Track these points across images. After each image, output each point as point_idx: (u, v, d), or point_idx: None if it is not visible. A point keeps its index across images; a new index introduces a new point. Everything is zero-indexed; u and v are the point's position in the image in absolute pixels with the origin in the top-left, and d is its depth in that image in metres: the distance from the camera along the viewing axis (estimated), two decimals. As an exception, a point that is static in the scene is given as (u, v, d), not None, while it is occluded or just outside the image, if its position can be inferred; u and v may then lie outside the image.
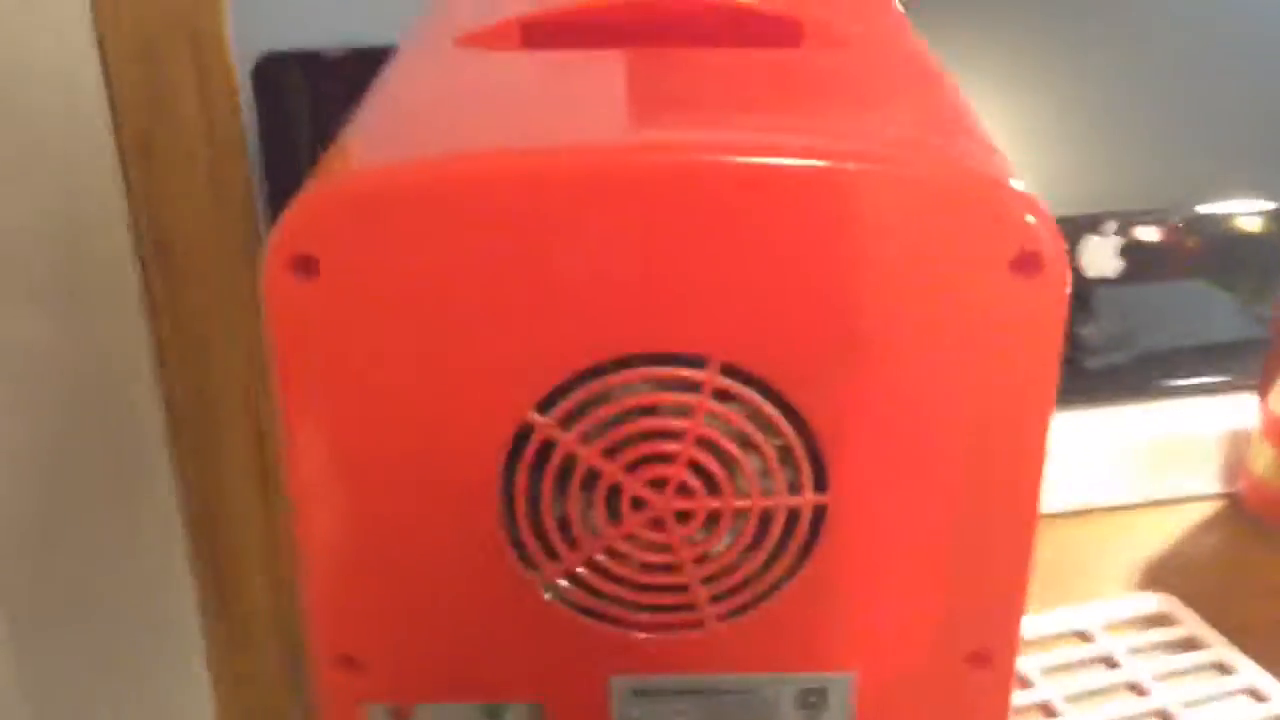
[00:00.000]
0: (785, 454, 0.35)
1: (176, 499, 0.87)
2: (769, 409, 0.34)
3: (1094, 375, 0.78)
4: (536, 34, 0.42)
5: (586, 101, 0.37)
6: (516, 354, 0.33)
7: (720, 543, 0.36)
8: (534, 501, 0.36)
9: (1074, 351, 0.79)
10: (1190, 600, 0.66)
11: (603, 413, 0.34)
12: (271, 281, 0.32)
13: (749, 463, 0.35)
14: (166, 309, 0.81)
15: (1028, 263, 0.32)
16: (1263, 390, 0.70)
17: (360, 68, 0.61)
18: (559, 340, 0.33)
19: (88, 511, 0.86)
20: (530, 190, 0.32)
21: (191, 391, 0.83)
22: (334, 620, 0.37)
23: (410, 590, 0.36)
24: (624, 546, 0.36)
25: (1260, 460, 0.70)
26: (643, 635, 0.37)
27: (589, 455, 0.35)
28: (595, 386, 0.34)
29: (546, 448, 0.35)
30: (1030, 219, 0.32)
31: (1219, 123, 0.78)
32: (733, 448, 0.35)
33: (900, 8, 0.51)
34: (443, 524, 0.35)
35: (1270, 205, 0.80)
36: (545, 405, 0.34)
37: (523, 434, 0.35)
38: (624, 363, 0.34)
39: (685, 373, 0.34)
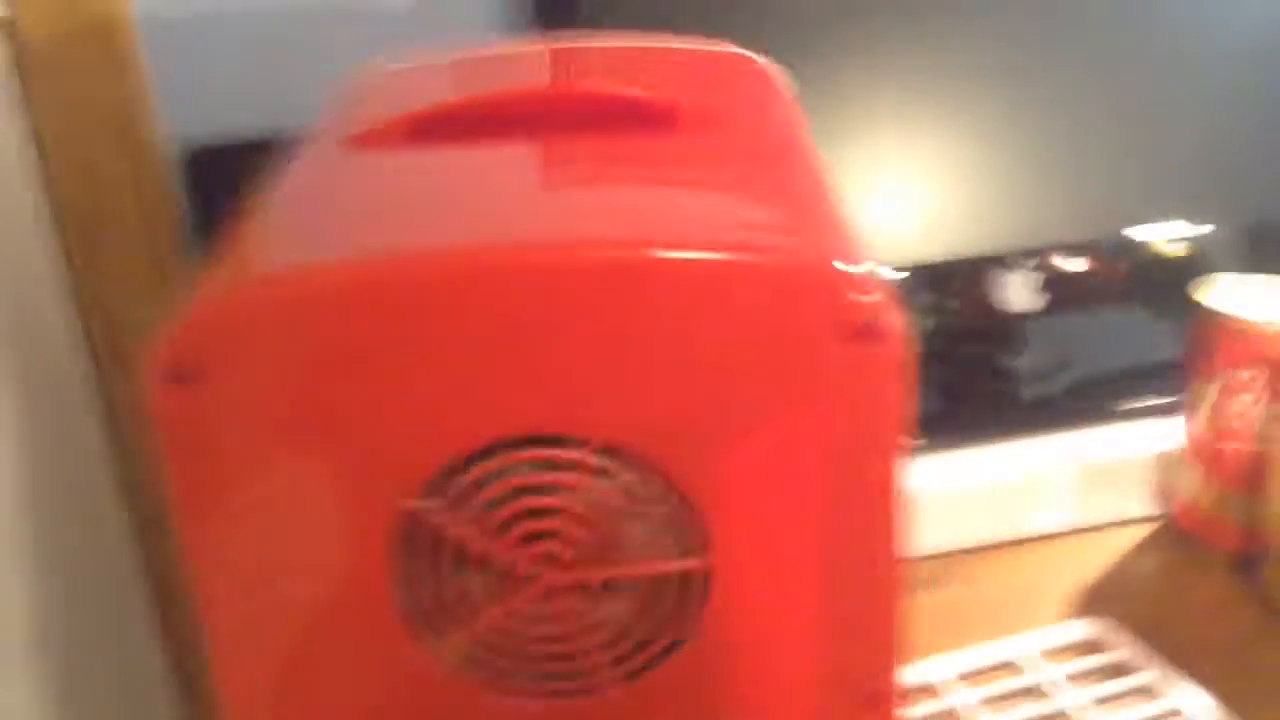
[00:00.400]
0: (668, 522, 0.37)
1: (138, 572, 0.88)
2: (647, 482, 0.36)
3: (1027, 405, 0.79)
4: (419, 131, 0.43)
5: (456, 201, 0.38)
6: (398, 445, 0.35)
7: (612, 610, 0.38)
8: (426, 583, 0.37)
9: (1006, 383, 0.80)
10: (1128, 624, 0.67)
11: (488, 495, 0.36)
12: (153, 391, 0.34)
13: (634, 533, 0.37)
14: (124, 404, 0.82)
15: (863, 335, 0.34)
16: (1187, 412, 0.71)
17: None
18: (441, 428, 0.35)
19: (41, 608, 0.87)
20: (400, 294, 0.33)
21: (157, 485, 0.84)
22: (245, 711, 0.38)
23: (315, 676, 0.38)
24: (517, 620, 0.37)
25: (1187, 482, 0.72)
26: (541, 703, 0.38)
27: (476, 536, 0.36)
28: (478, 471, 0.36)
29: (434, 532, 0.36)
30: (860, 297, 0.34)
31: (1142, 148, 0.79)
32: (616, 521, 0.36)
33: (784, 84, 0.53)
34: (340, 609, 0.37)
35: (1196, 229, 0.81)
36: (431, 491, 0.36)
37: (410, 520, 0.36)
38: (508, 446, 0.35)
39: (566, 454, 0.36)
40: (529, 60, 0.53)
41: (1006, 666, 0.65)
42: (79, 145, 0.77)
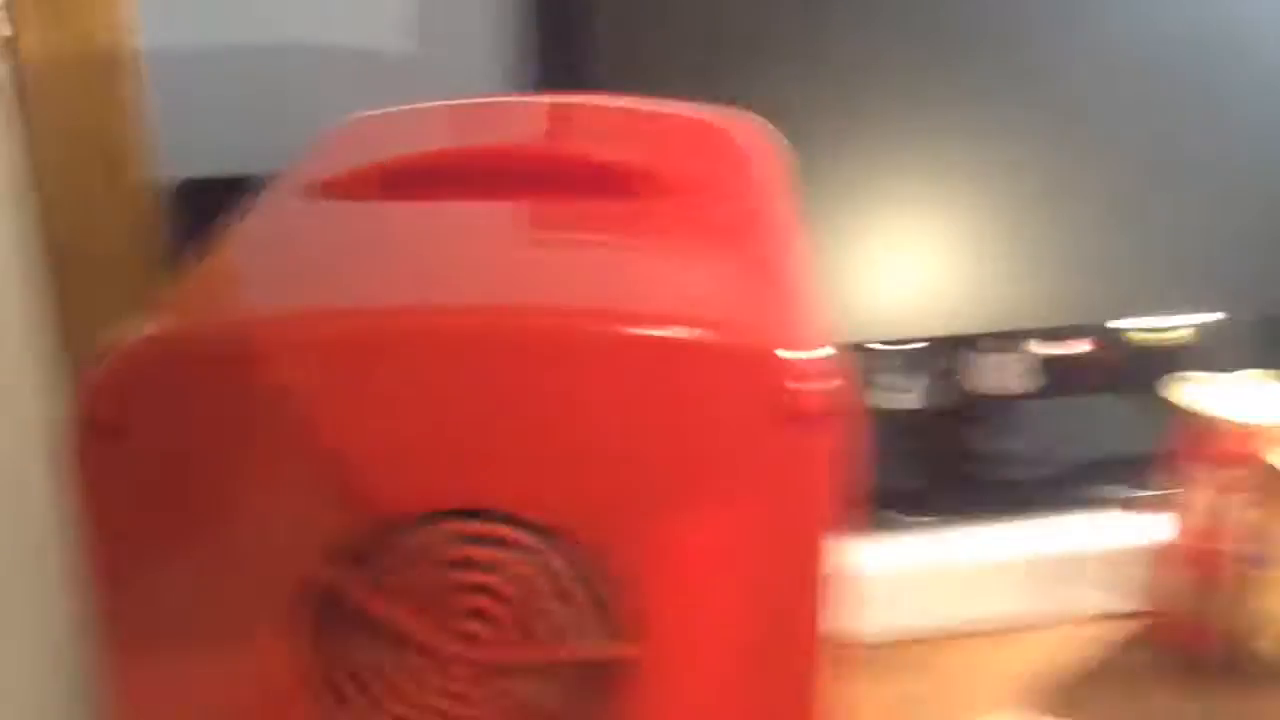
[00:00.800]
0: (597, 605, 0.36)
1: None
2: (571, 562, 0.35)
3: (999, 489, 0.78)
4: (381, 183, 0.43)
5: (400, 258, 0.38)
6: (319, 510, 0.34)
7: (535, 693, 0.37)
8: (342, 658, 0.36)
9: (980, 466, 0.79)
10: (1096, 723, 0.65)
11: (410, 568, 0.35)
12: (71, 442, 0.33)
13: (561, 615, 0.36)
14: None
15: (800, 422, 0.33)
16: (1165, 508, 0.70)
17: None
18: (361, 496, 0.34)
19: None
20: (328, 353, 0.33)
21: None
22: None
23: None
24: (436, 702, 0.36)
25: (1159, 579, 0.70)
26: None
27: (395, 611, 0.35)
28: (399, 542, 0.35)
29: (350, 603, 0.35)
30: (798, 384, 0.33)
31: (1136, 238, 0.79)
32: (539, 600, 0.35)
33: (780, 150, 0.52)
34: (251, 681, 0.36)
35: (1186, 320, 0.80)
36: (350, 561, 0.35)
37: (327, 590, 0.35)
38: (431, 518, 0.35)
39: (494, 529, 0.35)
40: (508, 115, 0.53)
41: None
42: (70, 173, 0.77)
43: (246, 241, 0.40)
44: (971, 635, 0.71)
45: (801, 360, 0.33)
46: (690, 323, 0.33)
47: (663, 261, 0.38)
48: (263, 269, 0.38)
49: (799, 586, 0.35)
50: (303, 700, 0.36)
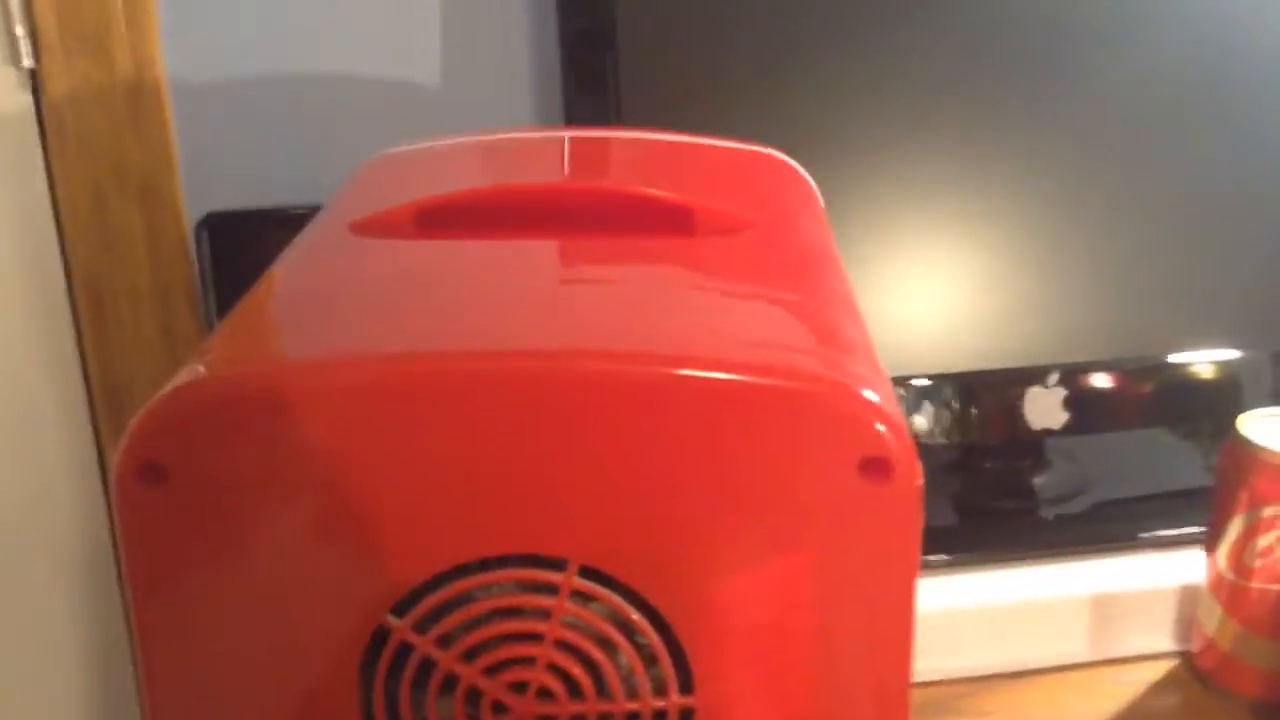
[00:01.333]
0: (649, 656, 0.35)
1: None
2: (630, 611, 0.34)
3: (1045, 528, 0.77)
4: (427, 221, 0.42)
5: (454, 300, 0.37)
6: (371, 557, 0.33)
7: (587, 746, 0.35)
8: (393, 705, 0.35)
9: (1024, 503, 0.78)
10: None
11: (460, 616, 0.34)
12: (120, 487, 0.32)
13: (612, 665, 0.34)
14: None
15: (876, 468, 0.32)
16: (1210, 545, 0.68)
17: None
18: (415, 543, 0.33)
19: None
20: (379, 398, 0.32)
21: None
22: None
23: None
24: (487, 750, 0.35)
25: (1209, 620, 0.69)
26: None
27: (446, 659, 0.34)
28: (452, 589, 0.34)
29: (403, 651, 0.34)
30: (877, 425, 0.32)
31: (1172, 270, 0.78)
32: (595, 650, 0.34)
33: (813, 189, 0.51)
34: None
35: (1228, 354, 0.79)
36: (401, 608, 0.34)
37: (379, 637, 0.34)
38: (482, 565, 0.34)
39: (544, 575, 0.34)
40: (547, 150, 0.52)
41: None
42: (95, 207, 0.77)
43: (287, 283, 0.39)
44: (1024, 677, 0.70)
45: (882, 402, 0.32)
46: (767, 364, 0.32)
47: (723, 301, 0.37)
48: (306, 311, 0.37)
49: (884, 640, 0.34)
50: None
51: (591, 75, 0.69)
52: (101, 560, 0.84)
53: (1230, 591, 0.67)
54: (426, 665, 0.34)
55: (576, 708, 0.34)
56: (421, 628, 0.34)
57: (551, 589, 0.34)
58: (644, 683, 0.35)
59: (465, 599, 0.34)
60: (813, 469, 0.32)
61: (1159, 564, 0.74)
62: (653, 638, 0.34)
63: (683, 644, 0.34)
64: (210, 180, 0.77)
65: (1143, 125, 0.74)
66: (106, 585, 0.84)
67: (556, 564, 0.33)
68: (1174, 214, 0.76)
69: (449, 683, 0.34)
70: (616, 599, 0.34)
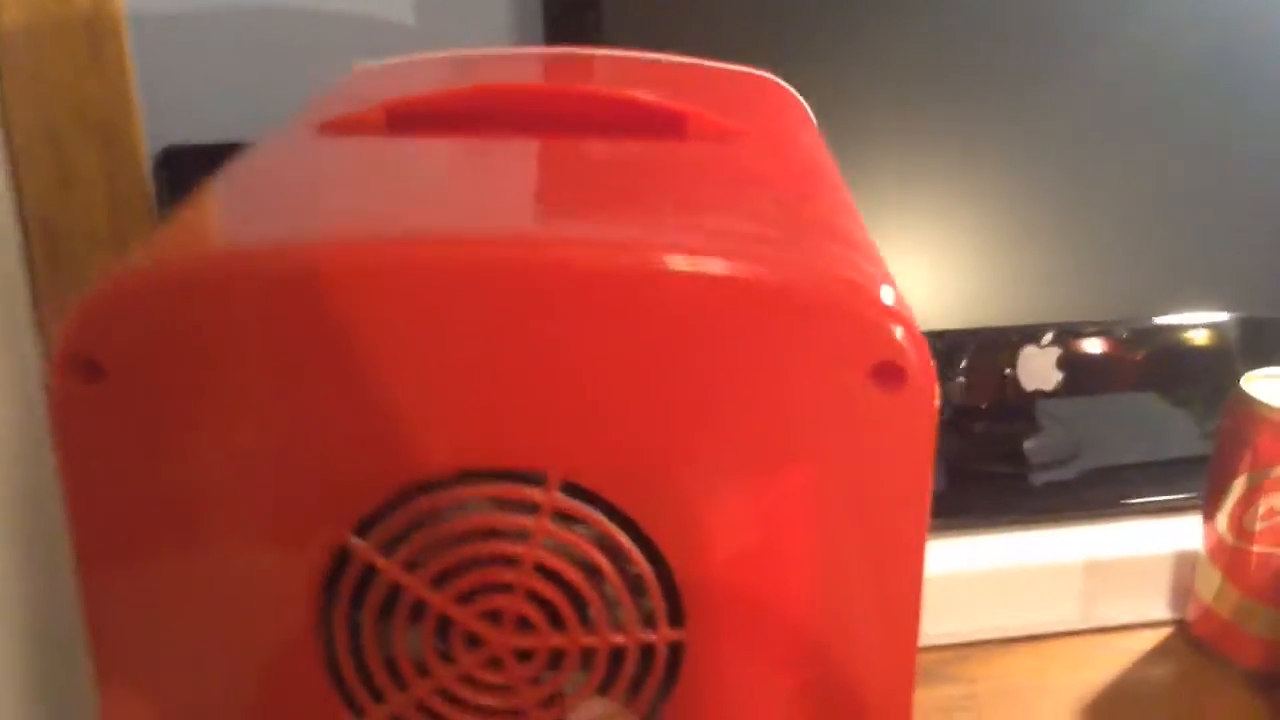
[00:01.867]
0: (637, 584, 0.32)
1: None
2: (617, 534, 0.31)
3: (1037, 492, 0.74)
4: (404, 120, 0.39)
5: (423, 191, 0.34)
6: (330, 469, 0.30)
7: (568, 683, 0.32)
8: (356, 637, 0.32)
9: (1015, 467, 0.75)
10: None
11: (429, 537, 0.31)
12: (54, 385, 0.29)
13: (597, 594, 0.31)
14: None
15: (889, 375, 0.29)
16: (1208, 510, 0.66)
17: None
18: (379, 455, 0.30)
19: None
20: (337, 288, 0.28)
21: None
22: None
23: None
24: (458, 688, 0.32)
25: (1207, 586, 0.66)
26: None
27: (414, 585, 0.31)
28: (420, 507, 0.30)
29: (367, 576, 0.31)
30: (894, 328, 0.29)
31: (1168, 231, 0.75)
32: (578, 577, 0.31)
33: (805, 106, 0.48)
34: (254, 661, 0.31)
35: (1221, 317, 0.77)
36: (365, 528, 0.31)
37: (340, 560, 0.31)
38: (453, 480, 0.30)
39: (522, 491, 0.30)
40: (530, 62, 0.49)
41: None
42: (52, 142, 0.73)
43: (245, 176, 0.36)
44: (1015, 644, 0.67)
45: (897, 304, 0.29)
46: (772, 257, 0.29)
47: (719, 198, 0.34)
48: (261, 201, 0.34)
49: (892, 568, 0.31)
50: (308, 692, 0.31)
51: (570, 12, 0.66)
52: (45, 496, 0.80)
53: (1230, 557, 0.64)
54: (392, 592, 0.31)
55: (557, 640, 0.31)
56: (387, 550, 0.31)
57: (531, 507, 0.31)
58: (631, 614, 0.31)
59: (435, 518, 0.31)
60: (819, 375, 0.29)
61: (1153, 530, 0.71)
62: (641, 564, 0.31)
63: (673, 571, 0.31)
64: (169, 115, 0.73)
65: (1138, 87, 0.71)
66: (49, 524, 0.80)
67: (536, 479, 0.30)
68: (1171, 174, 0.74)
69: (417, 612, 0.31)
70: (602, 519, 0.31)
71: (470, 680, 0.32)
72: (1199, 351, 0.79)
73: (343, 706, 0.32)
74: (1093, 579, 0.69)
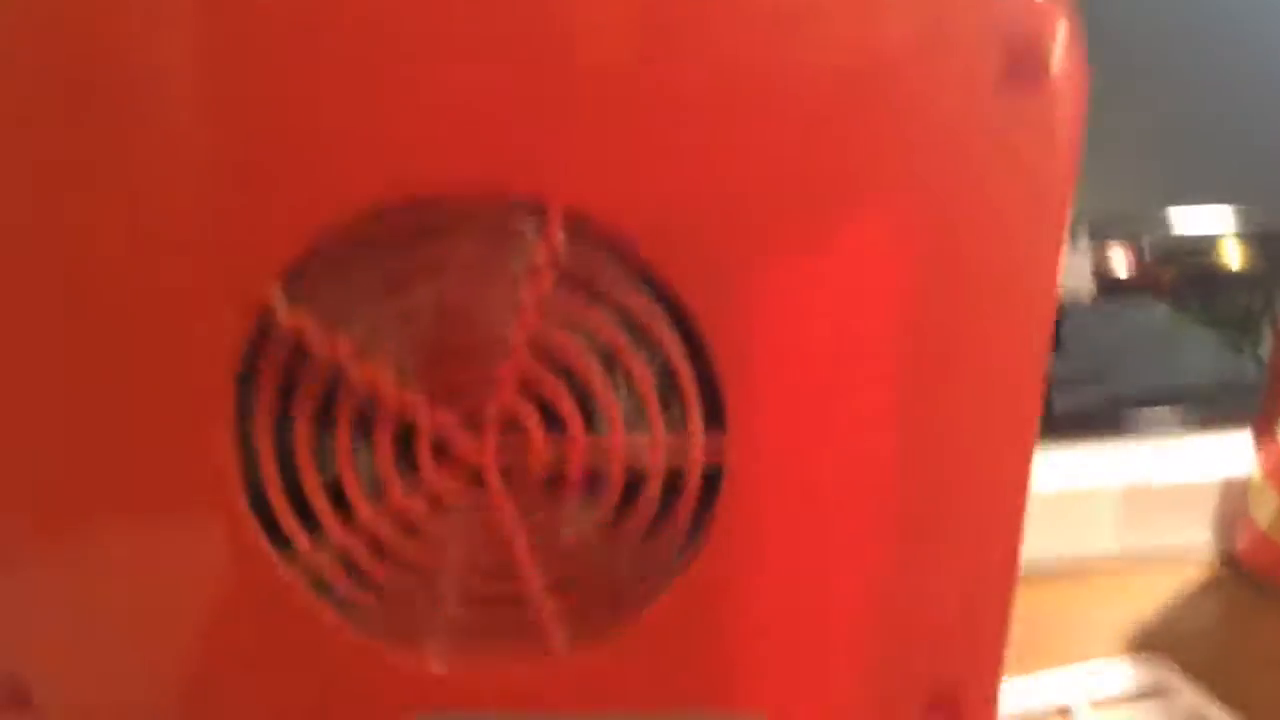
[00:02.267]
0: (665, 380, 0.24)
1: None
2: (640, 298, 0.23)
3: (1068, 411, 0.67)
4: None
5: None
6: (247, 200, 0.21)
7: (570, 519, 0.24)
8: (283, 445, 0.23)
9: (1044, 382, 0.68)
10: (1184, 671, 0.54)
11: (385, 301, 0.22)
12: None
13: (608, 387, 0.23)
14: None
15: (1024, 69, 0.21)
16: (1263, 427, 0.59)
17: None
18: (314, 178, 0.21)
19: None
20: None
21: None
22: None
23: (105, 584, 0.24)
24: (424, 521, 0.24)
25: (1262, 510, 0.59)
26: (459, 670, 0.24)
27: (365, 370, 0.23)
28: (369, 255, 0.22)
29: (297, 357, 0.23)
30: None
31: (1195, 134, 0.69)
32: (589, 367, 0.23)
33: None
34: (148, 478, 0.23)
35: (1250, 229, 0.70)
36: (294, 285, 0.22)
37: (261, 331, 0.22)
38: (415, 212, 0.22)
39: (515, 225, 0.22)
40: None
41: (1045, 712, 0.52)
42: None
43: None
44: (1053, 576, 0.60)
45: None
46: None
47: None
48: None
49: (1006, 367, 0.23)
50: (234, 517, 0.23)
51: None
52: None
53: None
54: (333, 377, 0.23)
55: (559, 454, 0.23)
56: (326, 317, 0.22)
57: (522, 251, 0.22)
58: (658, 423, 0.23)
59: (393, 273, 0.22)
60: (921, 73, 0.21)
61: (1196, 453, 0.64)
62: (672, 347, 0.23)
63: (717, 361, 0.23)
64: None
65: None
66: None
67: (531, 209, 0.22)
68: (1204, 79, 0.68)
69: (368, 410, 0.23)
70: (620, 274, 0.23)
71: (440, 510, 0.24)
72: (1230, 271, 0.72)
73: (270, 546, 0.24)
74: (1133, 506, 0.62)
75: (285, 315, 0.22)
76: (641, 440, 0.23)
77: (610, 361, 0.23)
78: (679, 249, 0.22)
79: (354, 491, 0.23)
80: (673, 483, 0.24)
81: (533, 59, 0.21)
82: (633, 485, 0.24)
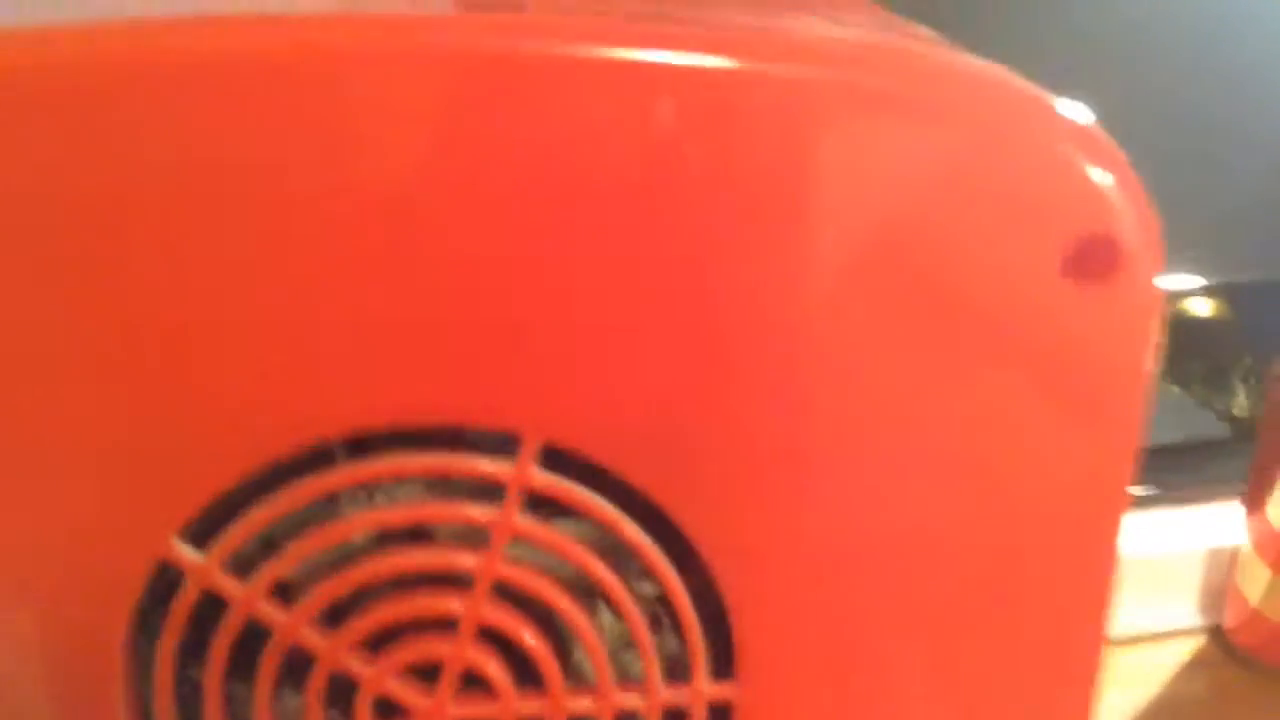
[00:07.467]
0: (657, 615, 0.19)
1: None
2: (627, 528, 0.19)
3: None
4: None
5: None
6: (146, 436, 0.17)
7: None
8: (192, 700, 0.19)
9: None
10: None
11: (310, 548, 0.18)
12: None
13: (594, 632, 0.19)
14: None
15: (1097, 256, 0.17)
16: (1253, 499, 0.56)
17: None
18: (228, 416, 0.17)
19: None
20: (159, 84, 0.16)
21: None
22: None
23: None
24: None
25: (1253, 586, 0.56)
26: None
27: (293, 624, 0.18)
28: (299, 493, 0.18)
29: (212, 606, 0.18)
30: (1098, 178, 0.17)
31: (1162, 186, 0.66)
32: (566, 605, 0.19)
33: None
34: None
35: (1216, 282, 0.68)
36: (200, 531, 0.18)
37: (163, 581, 0.18)
38: (357, 447, 0.18)
39: (482, 466, 0.18)
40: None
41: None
42: None
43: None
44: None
45: (1106, 143, 0.17)
46: (908, 61, 0.17)
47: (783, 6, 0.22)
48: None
49: (1077, 572, 0.19)
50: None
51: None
52: None
53: (1272, 553, 0.55)
54: (253, 632, 0.19)
55: (529, 708, 0.19)
56: (243, 568, 0.18)
57: (488, 491, 0.18)
58: (650, 660, 0.19)
59: (318, 517, 0.18)
60: (980, 255, 0.17)
61: (1181, 524, 0.61)
62: (668, 579, 0.19)
63: (721, 590, 0.19)
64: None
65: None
66: None
67: (500, 443, 0.18)
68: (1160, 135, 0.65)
69: (299, 665, 0.19)
70: (601, 505, 0.19)
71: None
72: (1198, 325, 0.70)
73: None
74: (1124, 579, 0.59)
75: (188, 563, 0.18)
76: (633, 695, 0.19)
77: (589, 592, 0.19)
78: (672, 468, 0.18)
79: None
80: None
81: (507, 249, 0.17)
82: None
